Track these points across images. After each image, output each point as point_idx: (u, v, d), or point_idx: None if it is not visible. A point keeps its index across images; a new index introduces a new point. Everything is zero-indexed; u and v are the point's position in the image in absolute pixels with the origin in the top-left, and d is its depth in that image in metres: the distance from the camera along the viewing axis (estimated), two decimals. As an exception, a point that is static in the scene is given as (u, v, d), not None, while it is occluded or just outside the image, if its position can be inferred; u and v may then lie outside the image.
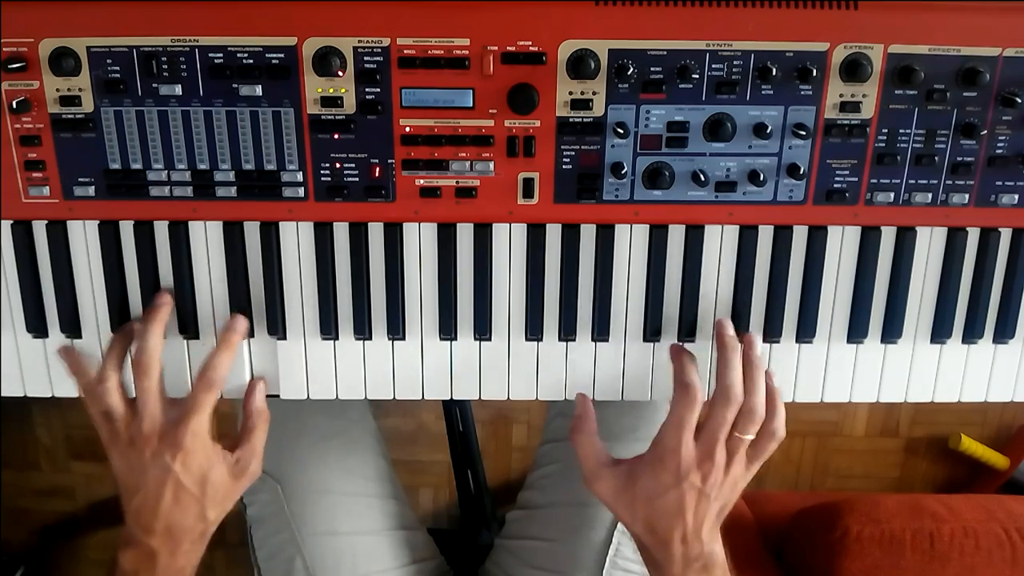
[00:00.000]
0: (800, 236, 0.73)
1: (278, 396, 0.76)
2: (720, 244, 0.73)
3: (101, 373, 0.70)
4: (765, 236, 0.73)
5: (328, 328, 0.74)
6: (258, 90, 0.68)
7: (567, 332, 0.74)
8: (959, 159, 0.70)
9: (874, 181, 0.71)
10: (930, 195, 0.71)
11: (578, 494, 0.89)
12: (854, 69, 0.67)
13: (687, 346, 0.75)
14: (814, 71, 0.67)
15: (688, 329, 0.74)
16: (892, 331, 0.75)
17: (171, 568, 0.70)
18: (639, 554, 0.74)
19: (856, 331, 0.75)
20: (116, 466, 0.71)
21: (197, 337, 0.74)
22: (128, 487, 0.70)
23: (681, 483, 0.68)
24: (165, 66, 0.67)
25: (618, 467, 0.72)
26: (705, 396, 0.72)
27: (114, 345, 0.72)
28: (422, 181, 0.70)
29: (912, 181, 0.71)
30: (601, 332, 0.74)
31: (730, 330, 0.73)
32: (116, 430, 0.70)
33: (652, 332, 0.74)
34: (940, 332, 0.75)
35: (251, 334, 0.74)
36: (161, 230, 0.72)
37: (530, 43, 0.67)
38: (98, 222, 0.72)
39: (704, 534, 0.69)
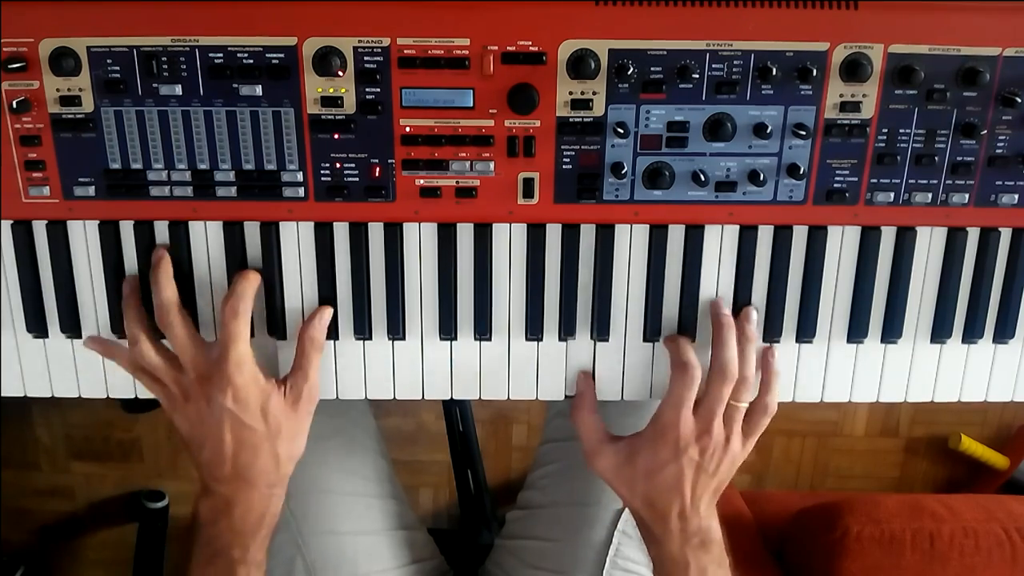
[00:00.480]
0: (800, 236, 0.73)
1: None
2: (720, 244, 0.73)
3: (131, 336, 0.70)
4: (765, 236, 0.73)
5: (328, 328, 0.74)
6: (258, 90, 0.68)
7: (567, 332, 0.74)
8: (959, 159, 0.70)
9: (874, 181, 0.71)
10: (930, 195, 0.71)
11: (578, 494, 0.89)
12: (854, 69, 0.67)
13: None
14: (814, 71, 0.67)
15: (688, 330, 0.74)
16: (892, 331, 0.75)
17: (249, 515, 0.69)
18: (640, 553, 0.74)
19: (856, 331, 0.75)
20: (180, 427, 0.71)
21: (197, 337, 0.74)
22: (195, 443, 0.70)
23: (680, 457, 0.69)
24: (165, 66, 0.67)
25: (617, 443, 0.73)
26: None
27: (128, 309, 0.71)
28: (422, 181, 0.70)
29: (912, 181, 0.71)
30: (601, 332, 0.74)
31: (725, 309, 0.73)
32: (169, 391, 0.70)
33: (652, 332, 0.74)
34: (940, 332, 0.75)
35: (250, 334, 0.74)
36: (161, 230, 0.72)
37: (530, 43, 0.67)
38: (98, 222, 0.72)
39: (702, 508, 0.70)
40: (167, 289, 0.70)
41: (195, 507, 0.71)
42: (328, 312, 0.73)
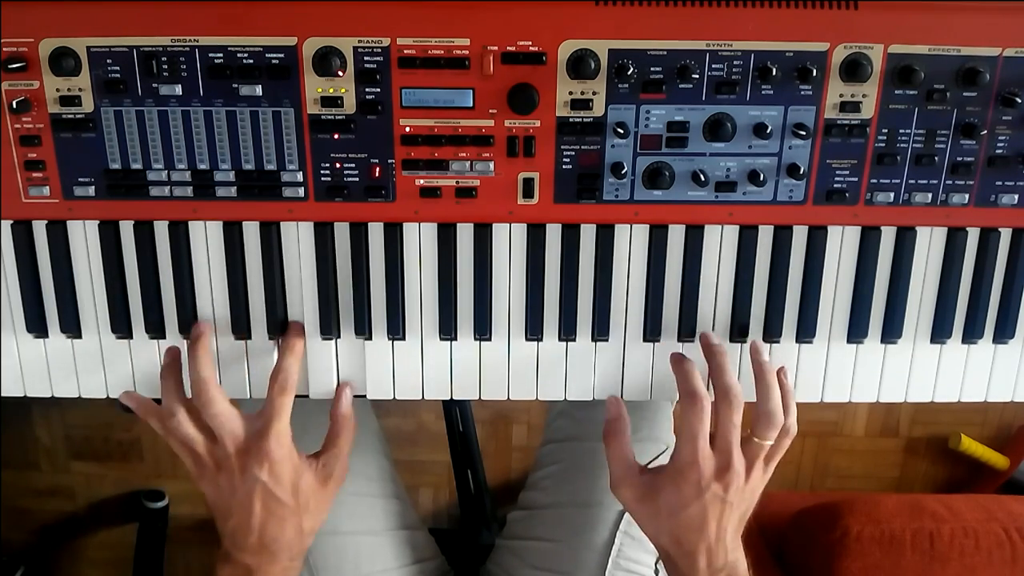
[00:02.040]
0: (800, 236, 0.73)
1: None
2: (720, 244, 0.73)
3: (168, 408, 0.70)
4: (765, 236, 0.73)
5: (328, 328, 0.74)
6: (258, 90, 0.68)
7: (567, 332, 0.74)
8: (959, 159, 0.70)
9: (874, 181, 0.71)
10: (930, 195, 0.71)
11: (580, 495, 0.89)
12: (854, 69, 0.67)
13: (687, 346, 0.75)
14: (814, 71, 0.67)
15: (688, 329, 0.74)
16: (892, 331, 0.75)
17: None
18: (642, 554, 0.73)
19: (856, 331, 0.75)
20: (208, 493, 0.71)
21: (197, 337, 0.75)
22: (221, 511, 0.70)
23: (703, 495, 0.68)
24: (165, 66, 0.67)
25: (644, 476, 0.72)
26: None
27: (168, 378, 0.72)
28: (422, 181, 0.70)
29: (912, 181, 0.71)
30: (601, 332, 0.74)
31: (714, 339, 0.73)
32: (200, 459, 0.70)
33: (652, 332, 0.74)
34: (940, 332, 0.75)
35: (249, 336, 0.74)
36: (161, 230, 0.72)
37: (530, 43, 0.67)
38: (98, 222, 0.72)
39: (728, 541, 0.69)
40: (207, 367, 0.70)
41: (215, 572, 0.71)
42: (349, 390, 0.75)
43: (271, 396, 0.70)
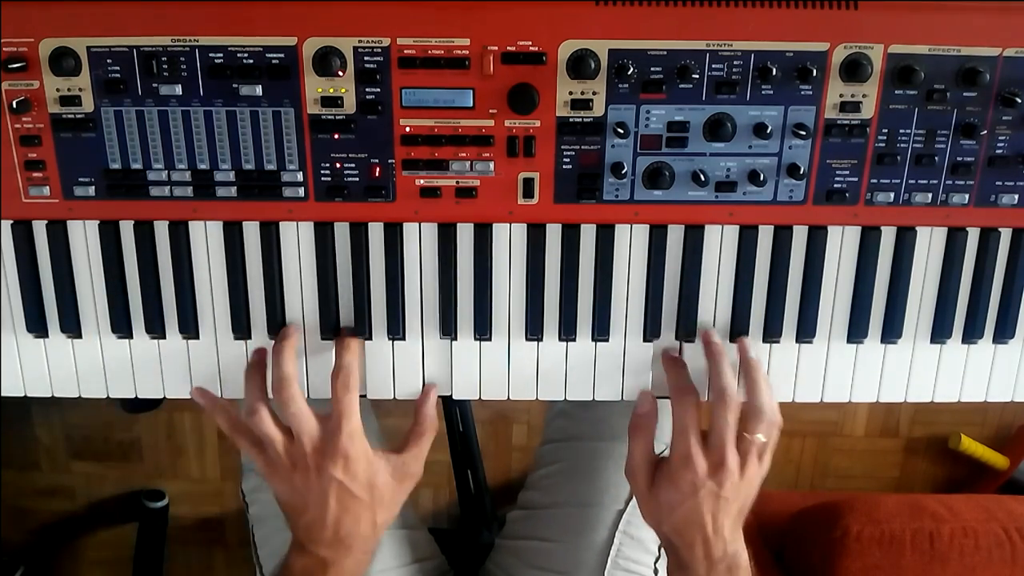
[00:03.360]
0: (800, 236, 0.73)
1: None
2: (720, 244, 0.73)
3: (250, 406, 0.71)
4: (765, 236, 0.73)
5: (327, 329, 0.74)
6: (258, 90, 0.68)
7: (567, 332, 0.74)
8: (959, 159, 0.70)
9: (874, 181, 0.71)
10: (930, 195, 0.71)
11: (580, 495, 0.89)
12: (854, 69, 0.67)
13: (687, 347, 0.75)
14: (814, 71, 0.67)
15: (688, 329, 0.74)
16: (892, 331, 0.75)
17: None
18: (642, 554, 0.74)
19: (856, 331, 0.75)
20: (280, 492, 0.72)
21: (197, 337, 0.75)
22: (296, 509, 0.71)
23: (698, 492, 0.69)
24: (165, 66, 0.67)
25: (652, 470, 0.73)
26: (704, 396, 0.73)
27: (252, 376, 0.72)
28: (422, 181, 0.70)
29: (912, 181, 0.71)
30: (601, 332, 0.74)
31: (716, 338, 0.74)
32: (274, 458, 0.70)
33: (652, 332, 0.74)
34: (940, 332, 0.75)
35: (248, 335, 0.74)
36: (161, 230, 0.72)
37: (530, 43, 0.67)
38: (98, 222, 0.72)
39: (727, 533, 0.70)
40: (290, 364, 0.71)
41: (288, 561, 0.73)
42: (435, 391, 0.76)
43: (336, 396, 0.70)
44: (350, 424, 0.70)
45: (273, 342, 0.74)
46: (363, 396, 0.75)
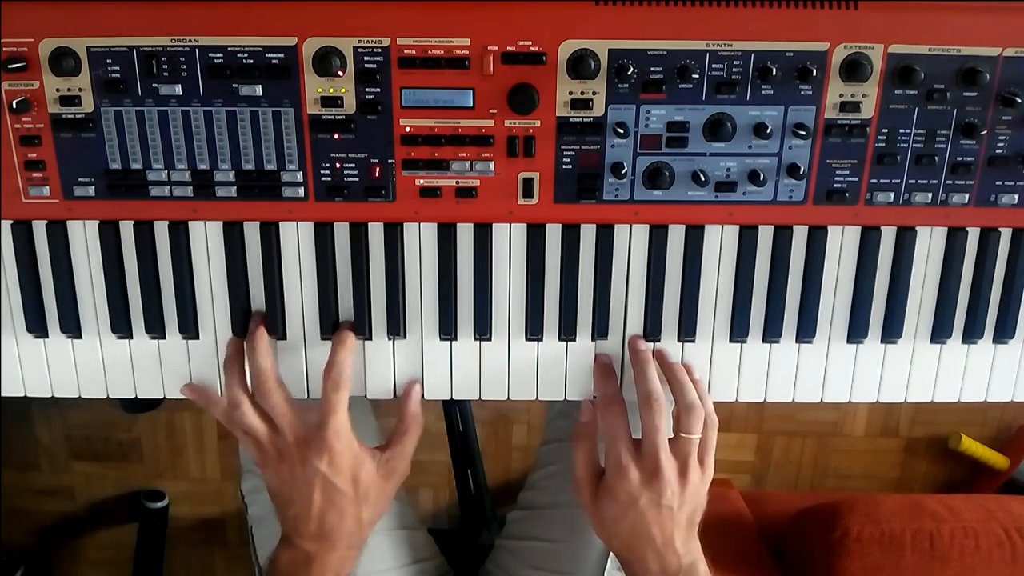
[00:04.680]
0: (800, 236, 0.73)
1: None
2: (720, 244, 0.73)
3: (233, 399, 0.71)
4: (765, 236, 0.73)
5: (327, 328, 0.74)
6: (258, 90, 0.68)
7: (567, 332, 0.74)
8: (959, 159, 0.70)
9: (874, 181, 0.71)
10: (930, 195, 0.71)
11: (579, 495, 0.89)
12: (854, 69, 0.67)
13: (687, 347, 0.75)
14: (814, 71, 0.67)
15: (687, 329, 0.74)
16: (892, 331, 0.75)
17: (326, 573, 0.71)
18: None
19: (856, 331, 0.75)
20: (270, 483, 0.72)
21: (197, 337, 0.75)
22: (283, 499, 0.72)
23: (637, 502, 0.69)
24: (165, 66, 0.67)
25: (597, 482, 0.72)
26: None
27: (230, 368, 0.73)
28: (422, 181, 0.70)
29: (912, 181, 0.71)
30: (601, 332, 0.74)
31: (642, 345, 0.74)
32: (264, 448, 0.71)
33: (652, 332, 0.74)
34: (940, 332, 0.75)
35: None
36: (161, 230, 0.72)
37: (530, 43, 0.67)
38: (98, 222, 0.72)
39: (678, 546, 0.69)
40: (266, 359, 0.71)
41: (276, 555, 0.73)
42: (418, 388, 0.75)
43: (326, 393, 0.70)
44: (336, 420, 0.70)
45: (279, 343, 0.74)
46: (363, 396, 0.75)
